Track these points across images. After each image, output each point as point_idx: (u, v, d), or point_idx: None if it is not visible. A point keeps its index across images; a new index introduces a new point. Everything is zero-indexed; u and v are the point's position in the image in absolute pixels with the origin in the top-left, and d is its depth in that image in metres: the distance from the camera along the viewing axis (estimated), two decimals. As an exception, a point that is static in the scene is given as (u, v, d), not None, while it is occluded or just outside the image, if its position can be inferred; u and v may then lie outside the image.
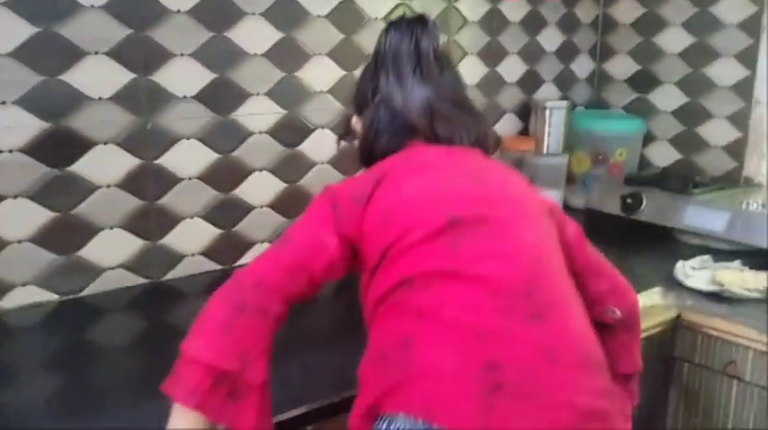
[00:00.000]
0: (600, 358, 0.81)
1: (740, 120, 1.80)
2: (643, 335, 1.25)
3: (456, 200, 0.85)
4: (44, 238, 1.20)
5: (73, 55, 1.18)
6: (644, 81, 1.98)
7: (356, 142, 1.03)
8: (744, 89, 1.79)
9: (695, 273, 1.38)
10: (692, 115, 1.90)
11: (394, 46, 0.96)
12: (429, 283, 0.78)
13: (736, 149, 1.82)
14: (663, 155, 1.96)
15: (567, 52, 1.99)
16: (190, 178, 1.34)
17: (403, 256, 0.81)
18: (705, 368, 1.30)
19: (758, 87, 1.76)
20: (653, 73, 1.96)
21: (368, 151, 0.99)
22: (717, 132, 1.85)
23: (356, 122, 1.03)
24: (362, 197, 0.87)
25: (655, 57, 1.95)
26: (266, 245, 1.45)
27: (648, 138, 1.97)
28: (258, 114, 1.41)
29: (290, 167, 1.48)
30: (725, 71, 1.82)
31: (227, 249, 1.42)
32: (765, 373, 1.22)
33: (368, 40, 1.52)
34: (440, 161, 0.91)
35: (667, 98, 1.94)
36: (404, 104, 0.95)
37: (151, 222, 1.31)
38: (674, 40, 1.90)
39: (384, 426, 0.74)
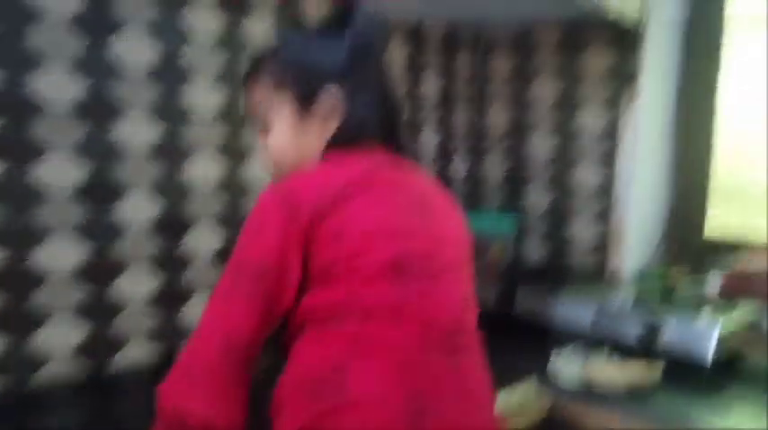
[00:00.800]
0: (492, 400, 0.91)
1: (603, 218, 1.95)
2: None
3: (407, 234, 0.86)
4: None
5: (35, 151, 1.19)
6: (514, 182, 2.11)
7: (326, 111, 0.97)
8: (605, 191, 1.94)
9: (567, 366, 1.44)
10: (559, 214, 2.03)
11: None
12: (369, 315, 0.80)
13: (600, 246, 1.95)
14: (534, 251, 2.07)
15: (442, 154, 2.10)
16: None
17: (346, 280, 0.82)
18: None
19: (617, 189, 1.93)
20: (522, 174, 2.09)
21: (345, 133, 0.97)
22: (583, 230, 1.99)
23: (335, 92, 0.97)
24: (323, 208, 0.84)
25: (524, 159, 2.09)
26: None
27: (520, 236, 2.08)
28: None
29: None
30: (588, 174, 1.97)
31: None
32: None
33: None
34: (396, 182, 0.92)
35: (536, 198, 2.07)
36: (383, 102, 0.99)
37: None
38: (540, 144, 2.06)
39: None
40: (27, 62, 1.20)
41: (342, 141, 0.96)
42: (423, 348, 0.82)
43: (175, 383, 0.81)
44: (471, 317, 0.92)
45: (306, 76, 0.97)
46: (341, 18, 0.99)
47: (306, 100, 0.97)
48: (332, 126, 0.97)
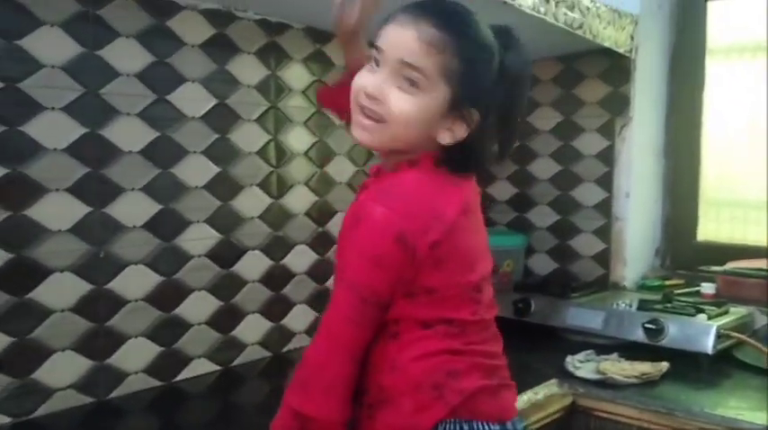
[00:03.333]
0: None
1: (604, 233, 2.13)
2: (545, 421, 1.47)
3: (484, 257, 1.02)
4: (1, 363, 1.27)
5: (36, 191, 1.30)
6: (522, 202, 2.30)
7: (455, 133, 0.96)
8: (604, 208, 2.13)
9: (582, 365, 1.61)
10: (564, 230, 2.21)
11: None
12: (464, 329, 0.97)
13: (603, 258, 2.13)
14: (542, 265, 2.26)
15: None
16: (136, 300, 1.45)
17: (446, 301, 0.95)
18: (599, 446, 1.52)
19: (615, 206, 2.11)
20: (529, 195, 2.28)
21: (465, 163, 0.99)
22: (585, 244, 2.17)
23: (468, 115, 0.95)
24: (434, 245, 0.91)
25: (529, 182, 2.27)
26: (203, 360, 1.58)
27: (529, 251, 2.26)
28: (197, 239, 1.56)
29: (225, 287, 1.62)
30: (588, 193, 2.16)
31: (167, 366, 1.52)
32: (647, 446, 1.45)
33: (292, 173, 1.73)
34: (477, 204, 1.02)
35: (542, 216, 2.25)
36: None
37: (99, 343, 1.40)
38: (544, 168, 2.24)
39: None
40: (105, 114, 1.38)
41: (452, 167, 0.98)
42: (491, 342, 1.02)
43: (304, 394, 0.93)
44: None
45: (471, 88, 0.94)
46: (500, 35, 0.98)
47: (455, 105, 0.94)
48: (446, 138, 0.96)
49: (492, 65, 0.95)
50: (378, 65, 0.95)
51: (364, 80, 0.96)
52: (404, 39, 0.92)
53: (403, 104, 0.93)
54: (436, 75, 0.92)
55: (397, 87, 0.93)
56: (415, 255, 0.90)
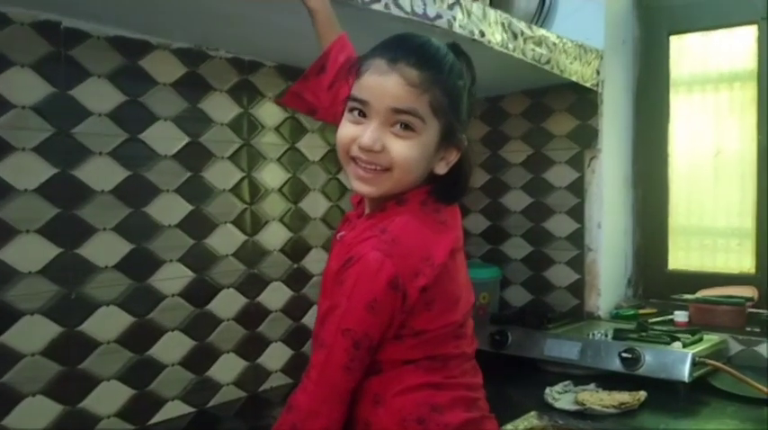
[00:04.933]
0: None
1: (577, 264, 2.15)
2: (526, 453, 1.46)
3: (468, 294, 1.03)
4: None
5: (6, 233, 1.28)
6: (495, 235, 2.31)
7: (448, 161, 0.99)
8: (577, 239, 2.15)
9: (561, 396, 1.61)
10: (538, 262, 2.22)
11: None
12: (446, 363, 0.98)
13: (577, 289, 2.15)
14: (518, 296, 2.26)
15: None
16: (108, 342, 1.43)
17: (432, 340, 0.96)
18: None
19: (587, 237, 2.13)
20: (502, 228, 2.29)
21: (457, 189, 1.02)
22: (559, 275, 2.18)
23: (460, 141, 0.99)
24: (426, 288, 0.92)
25: (502, 214, 2.29)
26: (177, 402, 1.54)
27: (504, 283, 2.27)
28: (170, 279, 1.54)
29: (199, 326, 1.60)
30: (560, 224, 2.18)
31: (140, 409, 1.49)
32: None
33: (266, 209, 1.73)
34: (462, 242, 1.03)
35: (516, 248, 2.27)
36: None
37: (71, 387, 1.37)
38: (516, 200, 2.26)
39: None
40: (76, 154, 1.37)
41: (446, 197, 1.00)
42: (468, 373, 1.02)
43: None
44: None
45: (457, 115, 0.97)
46: (457, 55, 1.00)
47: (447, 136, 0.97)
48: (442, 168, 0.99)
49: (468, 89, 0.99)
50: (364, 116, 0.95)
51: (352, 132, 0.96)
52: (388, 86, 0.93)
53: (404, 151, 0.94)
54: (428, 113, 0.94)
55: (394, 135, 0.94)
56: (407, 300, 0.90)
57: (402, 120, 0.93)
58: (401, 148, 0.94)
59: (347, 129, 0.97)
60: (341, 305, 0.90)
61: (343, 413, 0.93)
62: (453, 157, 0.98)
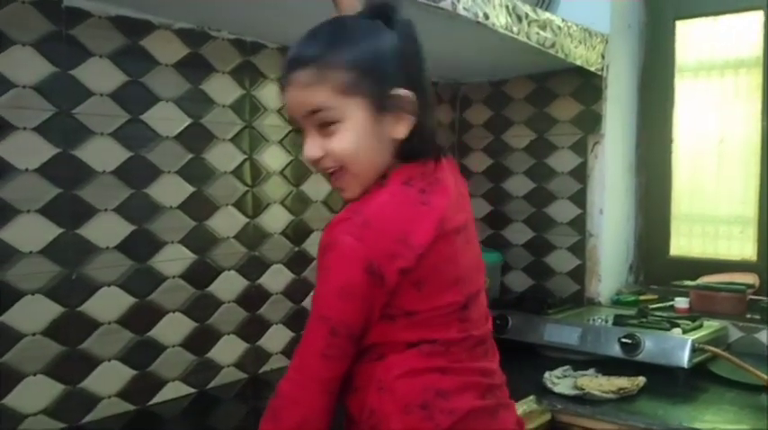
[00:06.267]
0: None
1: (578, 250, 2.15)
2: (524, 437, 1.47)
3: (471, 272, 0.99)
4: (-30, 389, 1.24)
5: (7, 212, 1.27)
6: (497, 219, 2.31)
7: (404, 123, 0.96)
8: (578, 224, 2.14)
9: (560, 381, 1.61)
10: (539, 247, 2.22)
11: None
12: (449, 347, 0.95)
13: (578, 274, 2.15)
14: (519, 281, 2.26)
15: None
16: (109, 322, 1.43)
17: (428, 322, 0.94)
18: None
19: (589, 222, 2.13)
20: (504, 212, 2.29)
21: (420, 142, 0.97)
22: (561, 261, 2.18)
23: (407, 95, 0.95)
24: (408, 269, 0.89)
25: (504, 199, 2.29)
26: (177, 383, 1.55)
27: (506, 268, 2.27)
28: (172, 260, 1.54)
29: (200, 308, 1.60)
30: (562, 210, 2.17)
31: (141, 389, 1.49)
32: (626, 461, 1.45)
33: (268, 192, 1.73)
34: (460, 223, 0.97)
35: (518, 234, 2.26)
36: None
37: (72, 367, 1.37)
38: (518, 185, 2.26)
39: None
40: (77, 134, 1.37)
41: (414, 155, 0.97)
42: (480, 357, 1.00)
43: (277, 428, 0.92)
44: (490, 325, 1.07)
45: (380, 80, 0.93)
46: (377, 14, 0.97)
47: (380, 105, 0.94)
48: (401, 132, 0.96)
49: (377, 50, 0.94)
50: (303, 132, 0.98)
51: (304, 152, 0.98)
52: (292, 99, 0.95)
53: (340, 145, 0.94)
54: (336, 99, 0.92)
55: (324, 136, 0.95)
56: (385, 282, 0.88)
57: (320, 119, 0.94)
58: (336, 144, 0.94)
59: (304, 152, 0.99)
60: (318, 292, 0.91)
61: (327, 403, 0.91)
62: (406, 117, 0.95)
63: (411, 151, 0.97)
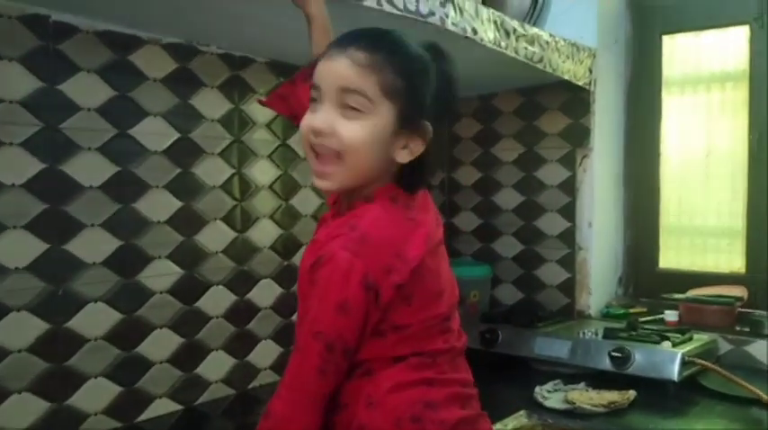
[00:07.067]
0: None
1: (568, 263, 2.15)
2: (515, 452, 1.46)
3: (451, 288, 1.01)
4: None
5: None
6: (486, 232, 2.31)
7: (412, 149, 0.97)
8: (568, 237, 2.15)
9: (550, 395, 1.61)
10: (528, 260, 2.22)
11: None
12: (435, 359, 0.96)
13: (568, 287, 2.14)
14: (508, 295, 2.26)
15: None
16: (96, 339, 1.42)
17: (416, 335, 0.95)
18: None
19: (578, 235, 2.13)
20: (493, 225, 2.29)
21: (415, 178, 0.99)
22: (550, 274, 2.18)
23: (427, 128, 0.97)
24: (401, 284, 0.90)
25: (494, 212, 2.29)
26: (165, 400, 1.54)
27: (495, 281, 2.27)
28: (159, 275, 1.53)
29: (188, 323, 1.59)
30: (551, 223, 2.18)
31: (128, 406, 1.48)
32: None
33: (256, 206, 1.72)
34: (440, 237, 1.01)
35: (507, 247, 2.27)
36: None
37: (58, 384, 1.36)
38: (507, 198, 2.26)
39: None
40: (65, 149, 1.36)
41: (406, 183, 0.99)
42: (461, 368, 1.02)
43: None
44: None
45: (417, 102, 0.95)
46: (428, 49, 0.99)
47: (404, 122, 0.95)
48: (404, 157, 0.96)
49: (429, 75, 0.97)
50: (319, 101, 0.95)
51: (308, 120, 0.96)
52: (337, 68, 0.93)
53: (353, 131, 0.93)
54: (377, 94, 0.93)
55: (343, 116, 0.93)
56: (380, 298, 0.89)
57: (349, 102, 0.93)
58: (350, 130, 0.93)
59: (305, 119, 0.97)
60: (313, 307, 0.89)
61: (318, 418, 0.90)
62: (418, 147, 0.96)
63: (405, 178, 0.99)
